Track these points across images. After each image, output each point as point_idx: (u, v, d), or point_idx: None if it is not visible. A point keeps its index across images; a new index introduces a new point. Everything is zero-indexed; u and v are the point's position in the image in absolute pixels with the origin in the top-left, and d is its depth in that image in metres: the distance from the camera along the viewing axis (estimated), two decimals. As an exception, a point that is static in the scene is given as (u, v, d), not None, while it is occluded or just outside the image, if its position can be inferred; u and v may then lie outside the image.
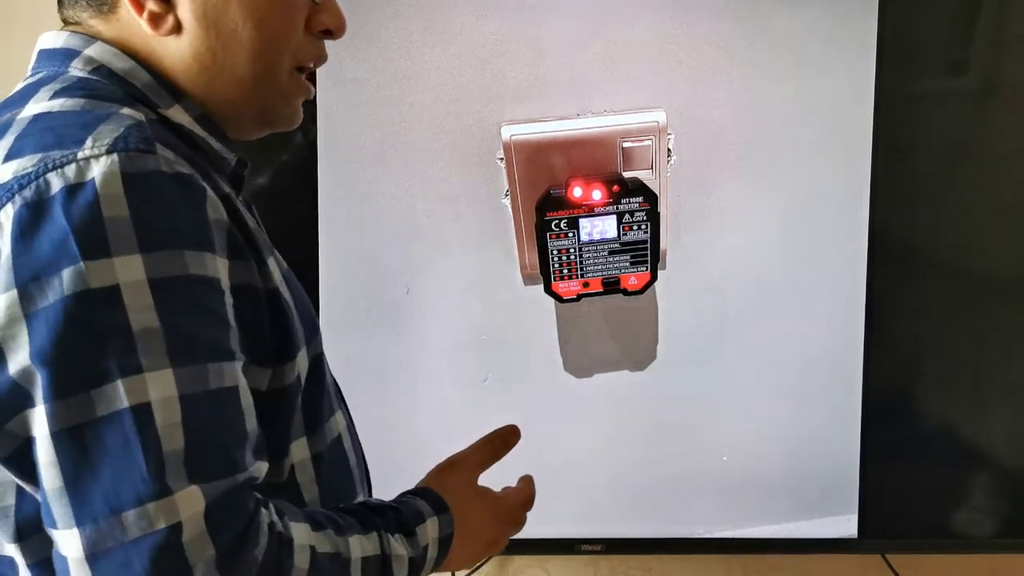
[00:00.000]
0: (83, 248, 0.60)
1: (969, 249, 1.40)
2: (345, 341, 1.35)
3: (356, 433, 0.92)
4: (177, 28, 0.73)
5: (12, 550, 0.68)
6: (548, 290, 1.33)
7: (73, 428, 0.59)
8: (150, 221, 0.62)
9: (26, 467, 0.62)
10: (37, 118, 0.67)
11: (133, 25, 0.74)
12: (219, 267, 0.66)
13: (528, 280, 1.37)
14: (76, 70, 0.73)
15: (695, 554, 1.54)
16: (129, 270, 0.61)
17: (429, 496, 0.83)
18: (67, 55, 0.73)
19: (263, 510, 0.64)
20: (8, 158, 0.64)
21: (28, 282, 0.60)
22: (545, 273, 1.33)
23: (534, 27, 1.31)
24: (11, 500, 0.66)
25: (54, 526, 0.60)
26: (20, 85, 0.74)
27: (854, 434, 1.40)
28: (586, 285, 1.34)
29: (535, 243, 1.32)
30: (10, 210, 0.61)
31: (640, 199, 1.30)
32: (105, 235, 0.61)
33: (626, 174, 1.32)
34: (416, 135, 1.32)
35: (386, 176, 1.34)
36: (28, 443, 0.61)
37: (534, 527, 1.43)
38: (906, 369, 1.43)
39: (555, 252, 1.32)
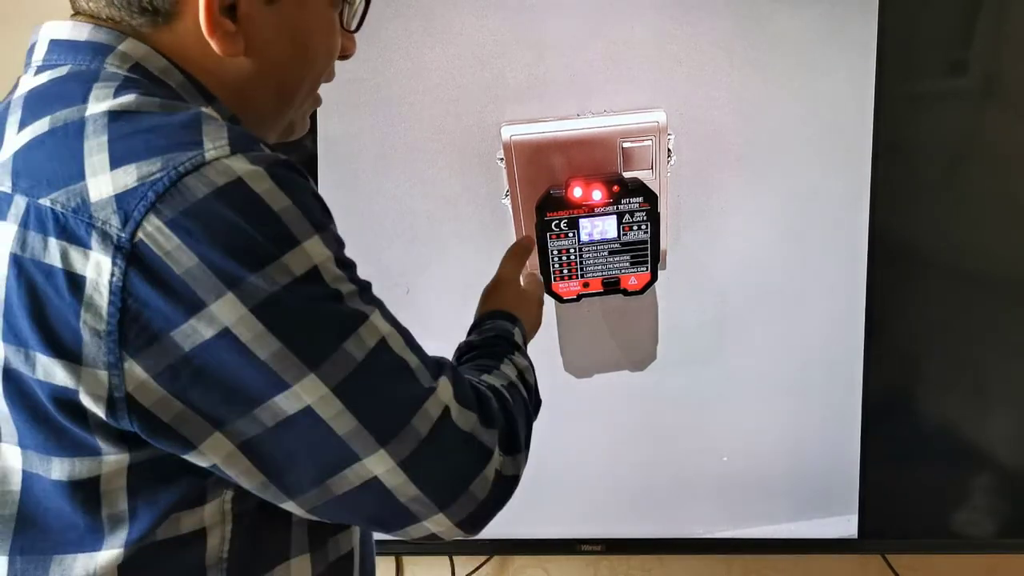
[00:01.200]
0: (275, 245, 0.63)
1: (969, 249, 1.40)
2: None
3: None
4: (246, 51, 0.72)
5: (102, 562, 0.66)
6: (548, 290, 1.33)
7: (346, 378, 0.65)
8: (305, 206, 0.65)
9: (290, 450, 0.66)
10: (117, 116, 0.64)
11: (188, 39, 0.71)
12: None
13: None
14: (113, 67, 0.69)
15: (695, 554, 1.54)
16: (317, 250, 0.65)
17: (504, 316, 1.02)
18: (97, 50, 0.70)
19: (469, 378, 0.78)
20: (118, 163, 0.62)
21: (241, 282, 0.61)
22: (545, 273, 1.33)
23: (534, 27, 1.31)
24: (124, 505, 0.66)
25: (355, 459, 0.66)
26: (38, 75, 0.70)
27: (854, 434, 1.40)
28: (586, 285, 1.34)
29: (535, 243, 1.32)
30: (157, 221, 0.60)
31: (640, 199, 1.30)
32: (286, 226, 0.63)
33: (626, 174, 1.32)
34: (416, 135, 1.32)
35: (386, 176, 1.34)
36: (298, 416, 0.64)
37: (534, 527, 1.43)
38: (906, 369, 1.43)
39: (555, 252, 1.32)
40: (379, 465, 0.67)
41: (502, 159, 1.32)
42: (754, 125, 1.33)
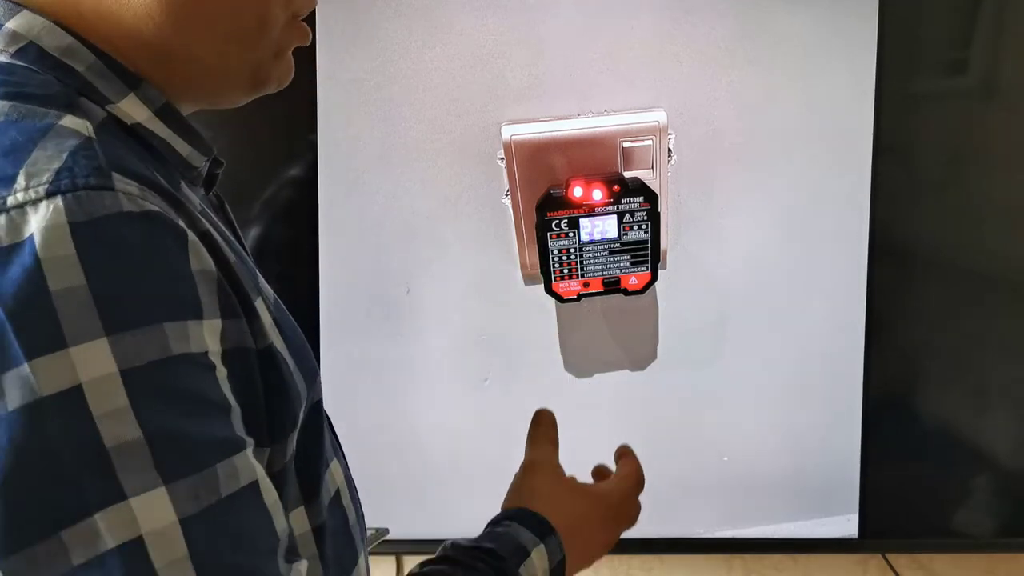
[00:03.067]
0: (25, 343, 0.44)
1: (970, 249, 1.40)
2: (345, 341, 1.35)
3: (352, 480, 0.76)
4: None
5: None
6: (548, 290, 1.33)
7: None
8: (116, 287, 0.46)
9: None
10: None
11: None
12: (206, 335, 0.50)
13: (528, 280, 1.37)
14: None
15: (695, 554, 1.54)
16: (93, 362, 0.45)
17: (528, 519, 0.71)
18: None
19: None
20: None
21: None
22: (545, 273, 1.33)
23: (534, 27, 1.31)
24: None
25: None
26: None
27: (854, 434, 1.40)
28: (586, 285, 1.34)
29: (535, 243, 1.32)
30: None
31: (640, 199, 1.30)
32: (56, 318, 0.44)
33: (626, 174, 1.32)
34: (416, 135, 1.32)
35: (386, 176, 1.34)
36: None
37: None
38: (906, 369, 1.43)
39: (555, 252, 1.32)
40: None
41: (502, 159, 1.32)
42: (754, 125, 1.33)
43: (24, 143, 0.48)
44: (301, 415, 0.61)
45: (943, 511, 1.45)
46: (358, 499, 0.75)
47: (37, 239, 0.45)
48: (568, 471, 1.45)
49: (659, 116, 1.31)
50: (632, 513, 0.83)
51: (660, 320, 1.39)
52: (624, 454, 0.87)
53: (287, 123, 1.32)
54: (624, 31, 1.31)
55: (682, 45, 1.31)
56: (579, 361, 1.40)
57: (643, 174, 1.32)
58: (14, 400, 0.44)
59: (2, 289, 0.44)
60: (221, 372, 0.51)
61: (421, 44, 1.30)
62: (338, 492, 0.69)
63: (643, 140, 1.32)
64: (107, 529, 0.44)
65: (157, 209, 0.49)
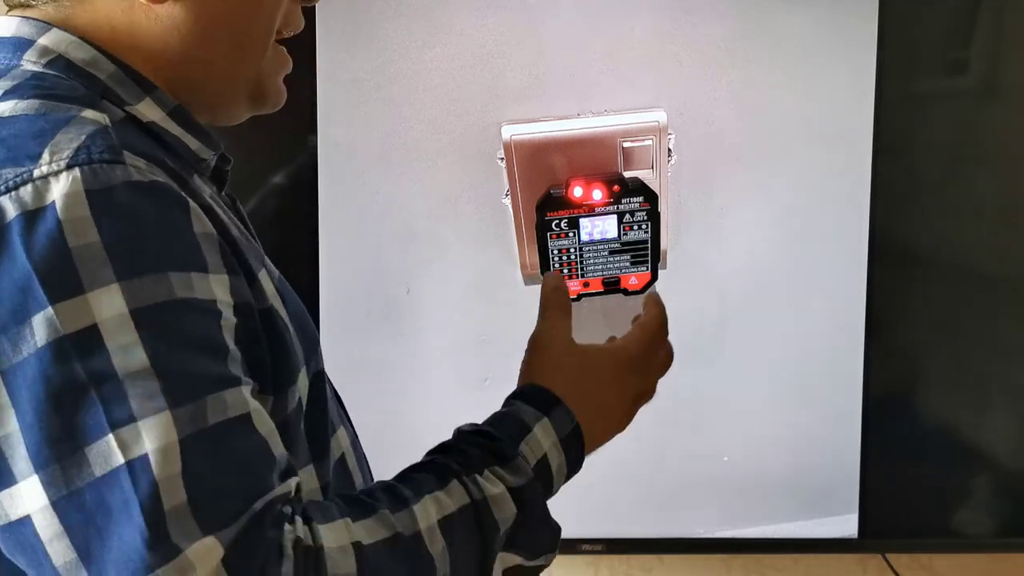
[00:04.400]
0: (50, 289, 0.52)
1: (969, 249, 1.40)
2: (345, 341, 1.34)
3: (360, 447, 0.83)
4: None
5: None
6: (548, 290, 1.33)
7: (74, 493, 0.52)
8: (126, 242, 0.54)
9: (23, 548, 0.54)
10: None
11: (112, 5, 0.65)
12: (213, 286, 0.58)
13: (528, 280, 1.36)
14: (29, 63, 0.63)
15: (695, 554, 1.54)
16: (107, 304, 0.53)
17: (532, 395, 0.72)
18: (18, 45, 0.63)
19: (287, 527, 0.56)
20: None
21: None
22: (545, 273, 1.32)
23: (534, 27, 1.31)
24: None
25: None
26: None
27: (854, 434, 1.40)
28: (586, 285, 1.34)
29: (535, 243, 1.32)
30: None
31: (641, 199, 1.30)
32: (74, 269, 0.53)
33: (626, 174, 1.32)
34: (416, 135, 1.32)
35: (386, 176, 1.34)
36: (20, 523, 0.53)
37: (534, 527, 1.43)
38: (906, 369, 1.43)
39: (555, 252, 1.32)
40: None
41: (502, 159, 1.32)
42: (754, 125, 1.33)
43: (50, 129, 0.56)
44: (303, 379, 0.68)
45: (943, 511, 1.45)
46: (367, 467, 0.81)
47: (58, 204, 0.53)
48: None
49: (659, 116, 1.31)
50: (657, 362, 0.81)
51: (660, 320, 1.39)
52: (648, 302, 0.85)
53: (287, 123, 1.32)
54: (624, 31, 1.31)
55: (682, 45, 1.31)
56: (579, 361, 1.40)
57: (643, 174, 1.32)
58: (41, 338, 0.52)
59: (29, 245, 0.52)
60: (229, 320, 0.59)
61: (421, 44, 1.30)
62: (343, 456, 0.75)
63: (643, 140, 1.32)
64: (120, 446, 0.52)
65: (162, 180, 0.58)
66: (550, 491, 0.72)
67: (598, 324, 1.41)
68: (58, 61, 0.63)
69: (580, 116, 1.32)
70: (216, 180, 0.76)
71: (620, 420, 0.79)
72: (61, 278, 0.53)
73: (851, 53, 1.32)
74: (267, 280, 0.66)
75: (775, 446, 1.41)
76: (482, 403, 1.45)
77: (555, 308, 0.85)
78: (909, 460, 1.42)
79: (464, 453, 0.68)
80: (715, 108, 1.32)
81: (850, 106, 1.33)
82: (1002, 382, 1.43)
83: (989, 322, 1.41)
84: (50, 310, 0.52)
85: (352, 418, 0.90)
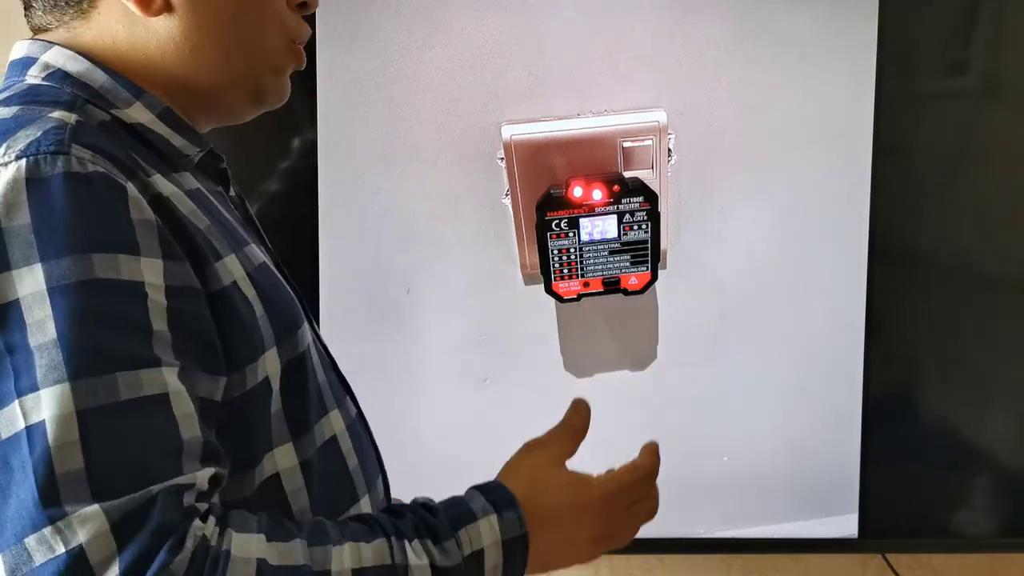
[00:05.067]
0: None
1: (969, 249, 1.40)
2: (345, 341, 1.34)
3: (365, 432, 0.86)
4: (166, 7, 0.72)
5: None
6: (548, 290, 1.33)
7: None
8: (52, 226, 0.59)
9: None
10: None
11: (113, 17, 0.72)
12: (144, 268, 0.62)
13: (528, 280, 1.37)
14: (32, 77, 0.71)
15: (695, 554, 1.54)
16: (29, 281, 0.58)
17: (493, 491, 0.71)
18: (25, 64, 0.72)
19: (197, 522, 0.58)
20: None
21: None
22: (545, 273, 1.33)
23: (534, 27, 1.31)
24: None
25: None
26: None
27: (854, 434, 1.40)
28: (586, 285, 1.34)
29: (535, 243, 1.32)
30: None
31: (640, 199, 1.30)
32: (5, 247, 0.58)
33: (626, 174, 1.32)
34: (416, 135, 1.32)
35: (386, 176, 1.34)
36: None
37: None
38: (906, 369, 1.43)
39: (555, 252, 1.32)
40: None
41: (502, 159, 1.32)
42: (754, 125, 1.33)
43: (15, 128, 0.63)
44: (271, 359, 0.71)
45: (943, 511, 1.45)
46: (368, 448, 0.84)
47: (0, 190, 0.59)
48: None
49: (659, 116, 1.31)
50: (637, 507, 0.79)
51: (660, 320, 1.39)
52: (645, 451, 0.84)
53: (287, 123, 1.32)
54: (624, 31, 1.31)
55: (682, 45, 1.31)
56: (579, 361, 1.40)
57: (643, 174, 1.32)
58: None
59: None
60: (158, 303, 0.62)
61: (421, 44, 1.31)
62: (335, 438, 0.78)
63: (643, 140, 1.32)
64: (23, 412, 0.56)
65: (102, 171, 0.62)
66: None
67: (598, 324, 1.42)
68: (55, 73, 0.71)
69: (580, 116, 1.32)
70: (220, 178, 0.82)
71: (582, 554, 0.76)
72: None
73: (851, 53, 1.32)
74: (235, 265, 0.70)
75: (775, 446, 1.41)
76: (482, 403, 1.46)
77: (569, 431, 0.84)
78: (909, 460, 1.43)
79: (403, 518, 0.68)
80: (715, 108, 1.32)
81: (850, 106, 1.33)
82: (1002, 382, 1.43)
83: (989, 322, 1.41)
84: None
85: (364, 417, 0.88)
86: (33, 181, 0.60)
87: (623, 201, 1.30)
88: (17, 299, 0.58)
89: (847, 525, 1.42)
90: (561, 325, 1.38)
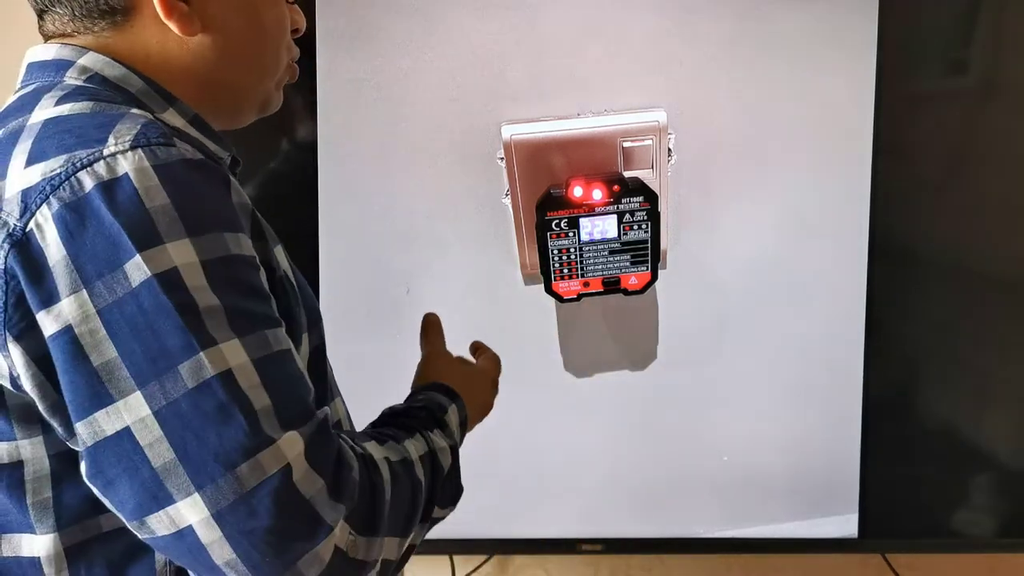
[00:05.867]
0: (137, 240, 0.63)
1: (969, 249, 1.40)
2: (345, 341, 1.34)
3: (353, 426, 0.94)
4: (203, 28, 0.77)
5: (43, 545, 0.70)
6: (548, 290, 1.33)
7: (171, 403, 0.62)
8: (189, 207, 0.65)
9: (118, 458, 0.64)
10: (49, 123, 0.69)
11: (148, 32, 0.77)
12: (251, 246, 0.70)
13: (528, 280, 1.37)
14: (71, 79, 0.75)
15: (695, 554, 1.54)
16: (182, 253, 0.64)
17: (439, 388, 0.92)
18: (60, 66, 0.76)
19: (343, 441, 0.70)
20: (31, 162, 0.66)
21: (94, 281, 0.63)
22: (545, 273, 1.33)
23: (534, 27, 1.31)
24: (49, 493, 0.69)
25: (170, 501, 0.63)
26: (13, 97, 0.76)
27: (854, 434, 1.40)
28: (586, 285, 1.34)
29: (535, 242, 1.32)
30: (47, 212, 0.64)
31: (640, 199, 1.30)
32: (154, 225, 0.64)
33: (626, 174, 1.32)
34: (416, 135, 1.32)
35: (386, 176, 1.34)
36: (118, 436, 0.63)
37: (534, 527, 1.43)
38: (906, 369, 1.43)
39: (555, 252, 1.32)
40: (193, 513, 0.62)
41: (502, 159, 1.32)
42: (754, 125, 1.33)
43: (109, 122, 0.68)
44: (304, 343, 0.80)
45: (943, 511, 1.45)
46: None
47: (132, 175, 0.64)
48: (567, 470, 1.45)
49: (659, 116, 1.31)
50: (496, 382, 1.08)
51: (660, 320, 1.39)
52: (478, 347, 1.13)
53: (287, 123, 1.32)
54: (624, 31, 1.31)
55: (682, 45, 1.31)
56: (579, 361, 1.40)
57: (643, 174, 1.32)
58: (135, 279, 0.63)
59: (114, 208, 0.64)
60: (263, 275, 0.71)
61: (421, 44, 1.31)
62: (339, 423, 0.89)
63: (643, 140, 1.32)
64: (209, 363, 0.63)
65: (206, 160, 0.69)
66: (456, 453, 0.88)
67: (598, 324, 1.42)
68: (94, 77, 0.75)
69: (580, 116, 1.32)
70: None
71: (484, 414, 1.02)
72: (144, 232, 0.63)
73: (851, 53, 1.32)
74: (282, 256, 0.79)
75: (775, 446, 1.41)
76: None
77: (434, 334, 1.08)
78: (909, 460, 1.43)
79: (416, 418, 0.86)
80: (715, 108, 1.32)
81: (850, 106, 1.33)
82: (1002, 382, 1.43)
83: (989, 322, 1.41)
84: (138, 257, 0.63)
85: (352, 417, 0.93)
86: (158, 167, 0.65)
87: (623, 201, 1.30)
88: (176, 267, 0.64)
89: (847, 525, 1.42)
90: (561, 325, 1.38)
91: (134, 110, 0.71)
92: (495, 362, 1.10)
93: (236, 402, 0.63)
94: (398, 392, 1.39)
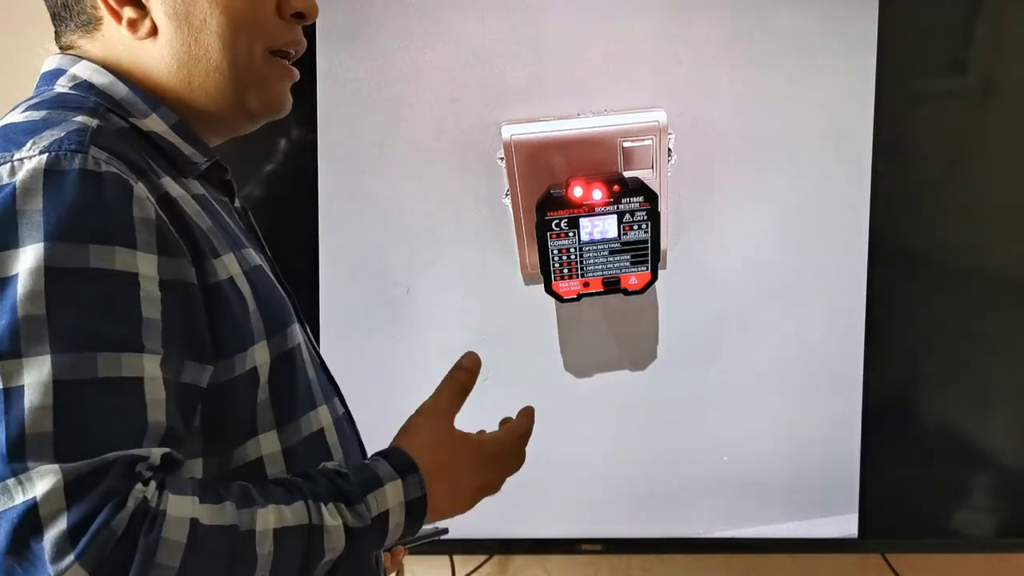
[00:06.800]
0: (2, 241, 0.65)
1: (969, 249, 1.40)
2: (345, 341, 1.35)
3: (352, 431, 0.91)
4: (154, 30, 0.78)
5: None
6: (548, 290, 1.33)
7: None
8: (59, 214, 0.65)
9: None
10: (2, 128, 0.72)
11: (116, 38, 0.79)
12: (139, 262, 0.68)
13: (528, 280, 1.37)
14: (60, 87, 0.78)
15: (695, 554, 1.54)
16: (29, 258, 0.64)
17: (395, 457, 0.79)
18: (56, 75, 0.79)
19: (139, 486, 0.64)
20: None
21: None
22: (545, 273, 1.33)
23: (534, 27, 1.31)
24: None
25: None
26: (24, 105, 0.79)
27: (854, 434, 1.40)
28: (586, 285, 1.34)
29: (535, 242, 1.32)
30: None
31: (640, 199, 1.30)
32: (16, 227, 0.65)
33: (626, 174, 1.32)
34: (416, 135, 1.32)
35: (386, 176, 1.34)
36: None
37: (534, 527, 1.43)
38: (906, 369, 1.43)
39: (555, 252, 1.32)
40: None
41: (502, 159, 1.32)
42: (754, 125, 1.33)
43: (43, 127, 0.70)
44: (260, 352, 0.77)
45: (943, 511, 1.45)
46: (354, 446, 0.89)
47: (19, 177, 0.66)
48: (567, 470, 1.45)
49: (659, 116, 1.31)
50: (511, 462, 0.89)
51: (660, 320, 1.39)
52: (521, 413, 0.94)
53: (287, 123, 1.32)
54: (624, 31, 1.31)
55: (682, 45, 1.31)
56: (579, 361, 1.40)
57: (643, 174, 1.32)
58: None
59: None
60: (151, 293, 0.68)
61: (421, 44, 1.31)
62: (322, 431, 0.83)
63: (643, 140, 1.32)
64: (4, 374, 0.63)
65: (115, 171, 0.69)
66: (382, 543, 0.78)
67: (598, 324, 1.42)
68: (82, 84, 0.78)
69: (580, 116, 1.32)
70: (226, 190, 0.87)
71: (465, 504, 0.86)
72: (6, 233, 0.65)
73: (851, 53, 1.32)
74: (232, 262, 0.77)
75: (775, 446, 1.41)
76: (482, 403, 1.45)
77: (453, 391, 0.91)
78: (909, 460, 1.42)
79: (318, 483, 0.75)
80: (715, 108, 1.32)
81: (850, 106, 1.33)
82: (1002, 382, 1.43)
83: (989, 322, 1.41)
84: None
85: (351, 415, 0.92)
86: (51, 173, 0.66)
87: (623, 201, 1.30)
88: (17, 273, 0.64)
89: (847, 525, 1.42)
90: (561, 325, 1.38)
91: (80, 117, 0.72)
92: (514, 432, 0.91)
93: (10, 420, 0.62)
94: (398, 392, 1.39)
